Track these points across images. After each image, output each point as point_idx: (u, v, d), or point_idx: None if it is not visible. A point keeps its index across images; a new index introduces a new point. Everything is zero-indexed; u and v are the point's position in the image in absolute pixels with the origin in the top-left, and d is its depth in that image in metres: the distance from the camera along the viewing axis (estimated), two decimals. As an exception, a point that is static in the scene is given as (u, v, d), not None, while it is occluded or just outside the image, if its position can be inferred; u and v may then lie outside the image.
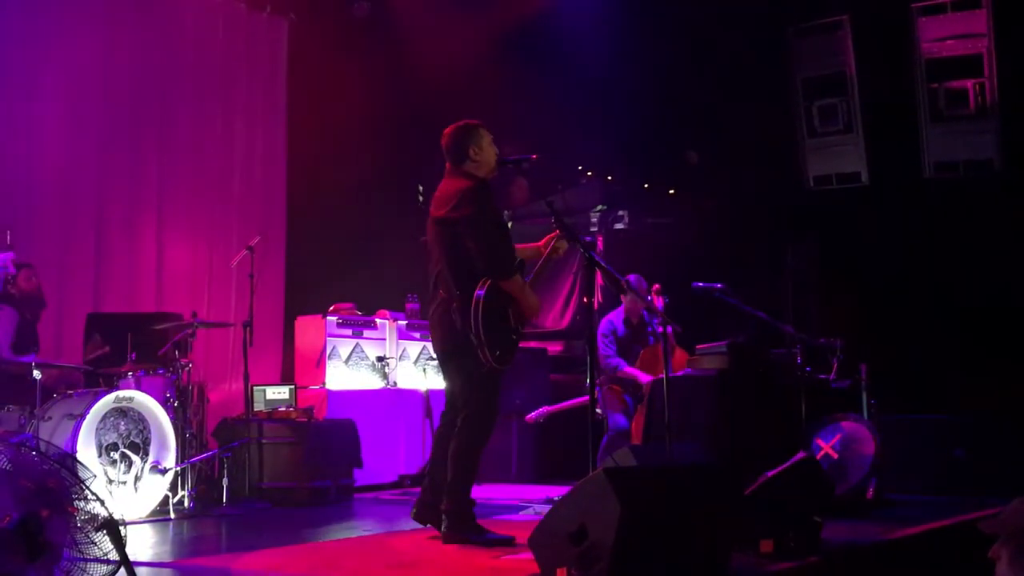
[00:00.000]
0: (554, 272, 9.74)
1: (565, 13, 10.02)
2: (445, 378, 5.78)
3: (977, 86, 9.11)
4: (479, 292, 5.30)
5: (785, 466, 5.22)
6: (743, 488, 4.98)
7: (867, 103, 9.57)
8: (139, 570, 3.63)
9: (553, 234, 5.67)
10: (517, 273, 5.45)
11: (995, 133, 9.08)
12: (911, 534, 5.80)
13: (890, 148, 9.54)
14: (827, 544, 5.14)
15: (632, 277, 7.62)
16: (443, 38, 9.76)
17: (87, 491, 3.51)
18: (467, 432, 5.51)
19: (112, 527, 3.44)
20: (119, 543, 3.46)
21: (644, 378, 7.62)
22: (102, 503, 3.51)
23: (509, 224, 10.15)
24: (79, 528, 3.55)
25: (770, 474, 5.14)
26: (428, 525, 5.67)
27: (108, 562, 3.56)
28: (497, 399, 5.56)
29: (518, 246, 5.73)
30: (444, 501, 5.54)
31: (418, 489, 8.16)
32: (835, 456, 6.79)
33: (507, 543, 5.35)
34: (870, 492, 6.76)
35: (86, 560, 3.56)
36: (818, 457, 6.61)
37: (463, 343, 5.35)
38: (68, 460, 3.67)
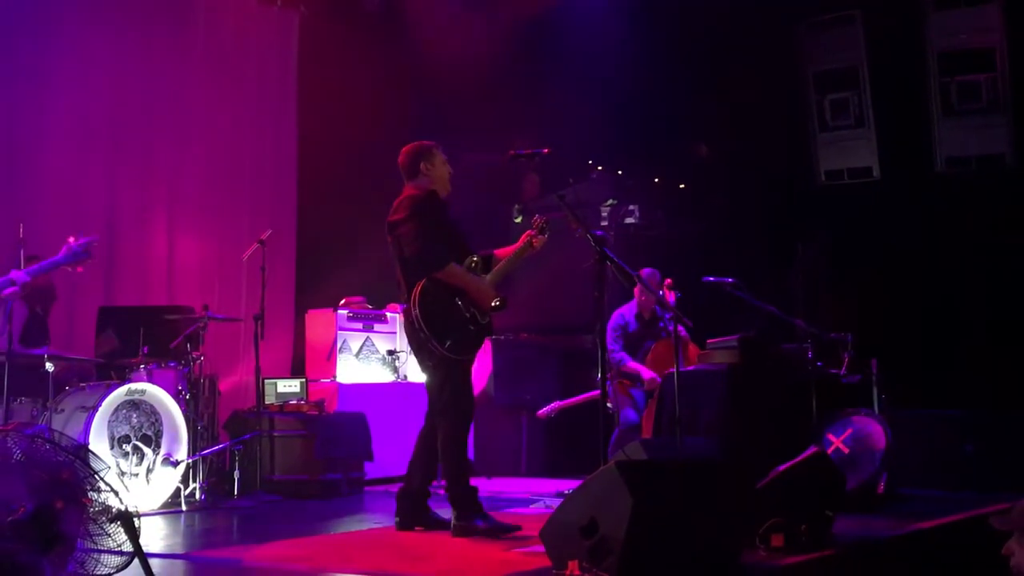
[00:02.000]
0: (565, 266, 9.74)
1: (576, 7, 10.00)
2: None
3: (989, 80, 9.07)
4: (417, 286, 5.56)
5: (796, 460, 5.21)
6: (754, 482, 4.98)
7: (879, 97, 9.54)
8: (151, 562, 3.63)
9: (528, 232, 5.85)
10: (449, 264, 5.60)
11: (1007, 127, 9.04)
12: (922, 529, 5.79)
13: (902, 142, 9.51)
14: (839, 538, 5.13)
15: (645, 271, 7.62)
16: (454, 32, 9.75)
17: (101, 482, 3.52)
18: (444, 424, 5.69)
19: (126, 518, 3.46)
20: (133, 534, 3.47)
21: (647, 374, 7.63)
22: (116, 494, 3.52)
23: (519, 219, 10.14)
24: (93, 519, 3.56)
25: (781, 468, 5.14)
26: (416, 528, 5.78)
27: (122, 553, 3.57)
28: (466, 388, 5.71)
29: (499, 252, 5.93)
30: (447, 491, 5.65)
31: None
32: (846, 451, 6.78)
33: (514, 529, 5.43)
34: (881, 487, 6.74)
35: (100, 551, 3.57)
36: (829, 452, 6.60)
37: (422, 339, 5.59)
38: (82, 451, 3.68)
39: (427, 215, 5.69)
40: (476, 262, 5.78)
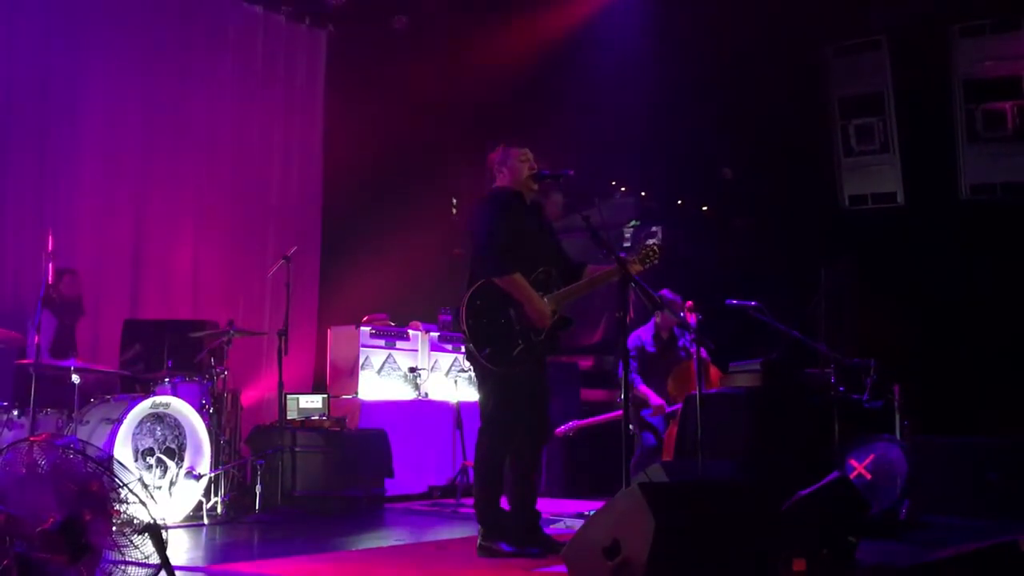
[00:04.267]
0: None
1: (603, 30, 10.04)
2: None
3: (1015, 108, 9.05)
4: (474, 285, 5.41)
5: (819, 485, 5.20)
6: (777, 506, 4.97)
7: (904, 123, 9.52)
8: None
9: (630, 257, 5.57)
10: (512, 273, 5.40)
11: (1033, 155, 9.02)
12: (945, 557, 5.76)
13: (927, 169, 9.49)
14: (861, 564, 5.11)
15: (665, 292, 7.63)
16: (480, 52, 9.81)
17: (130, 494, 3.55)
18: (481, 440, 5.54)
19: (154, 530, 3.49)
20: (161, 546, 3.50)
21: (655, 399, 7.63)
22: (144, 506, 3.55)
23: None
24: (121, 531, 3.59)
25: (803, 493, 5.12)
26: (528, 548, 5.48)
27: (148, 566, 3.60)
28: (511, 405, 5.47)
29: (593, 268, 5.71)
30: (476, 513, 5.56)
31: (448, 500, 8.25)
32: (868, 476, 6.76)
33: (539, 556, 5.37)
34: (903, 513, 6.72)
35: (127, 563, 3.60)
36: (851, 477, 6.58)
37: (464, 341, 5.46)
38: (110, 463, 3.71)
39: (500, 215, 5.49)
40: (550, 273, 5.56)
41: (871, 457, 6.83)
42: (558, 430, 8.52)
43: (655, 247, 5.66)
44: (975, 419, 8.44)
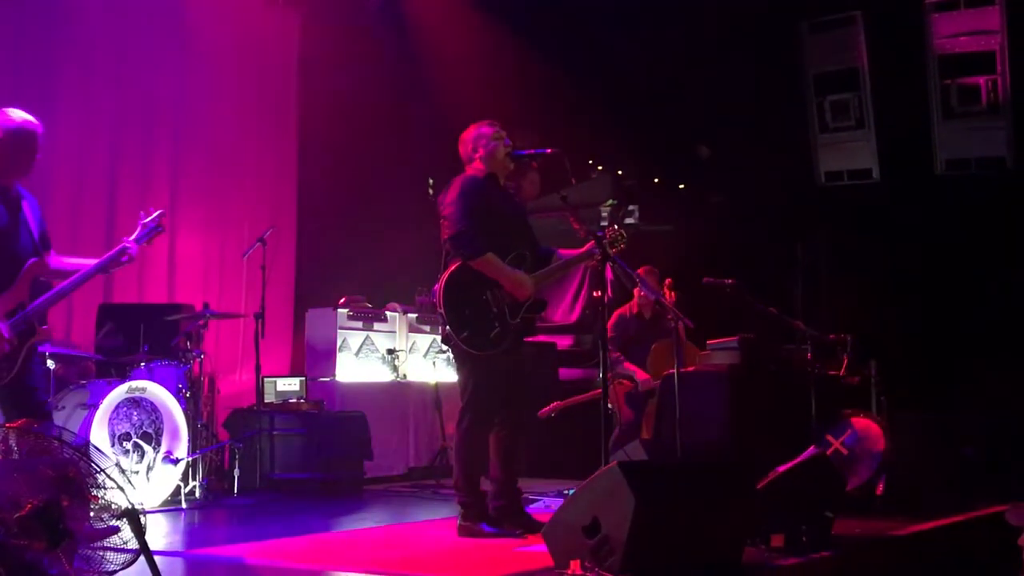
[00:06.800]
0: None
1: (577, 8, 10.01)
2: None
3: (989, 83, 9.10)
4: (449, 268, 5.40)
5: (796, 461, 5.24)
6: (755, 483, 4.99)
7: (879, 99, 9.56)
8: (153, 559, 3.64)
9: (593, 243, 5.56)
10: (486, 253, 5.39)
11: (1007, 130, 9.08)
12: (921, 530, 5.82)
13: (902, 144, 9.54)
14: (838, 539, 5.16)
15: (644, 270, 7.63)
16: (456, 31, 9.76)
17: (108, 479, 3.53)
18: (461, 421, 5.54)
19: (132, 516, 3.47)
20: (139, 531, 3.48)
21: (641, 375, 7.64)
22: (122, 491, 3.53)
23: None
24: (99, 516, 3.57)
25: (781, 469, 5.16)
26: (509, 527, 5.51)
27: (127, 551, 3.58)
28: (490, 386, 5.48)
29: (563, 251, 5.71)
30: (456, 494, 5.57)
31: (427, 481, 8.26)
32: (845, 452, 6.80)
33: (519, 536, 5.38)
34: (880, 488, 6.77)
35: (105, 548, 3.58)
36: (828, 453, 6.62)
37: (441, 324, 5.46)
38: (87, 448, 3.69)
39: (473, 198, 5.45)
40: (524, 256, 5.55)
41: (848, 433, 6.87)
42: (540, 412, 8.53)
43: (622, 231, 5.67)
44: (950, 395, 8.50)
